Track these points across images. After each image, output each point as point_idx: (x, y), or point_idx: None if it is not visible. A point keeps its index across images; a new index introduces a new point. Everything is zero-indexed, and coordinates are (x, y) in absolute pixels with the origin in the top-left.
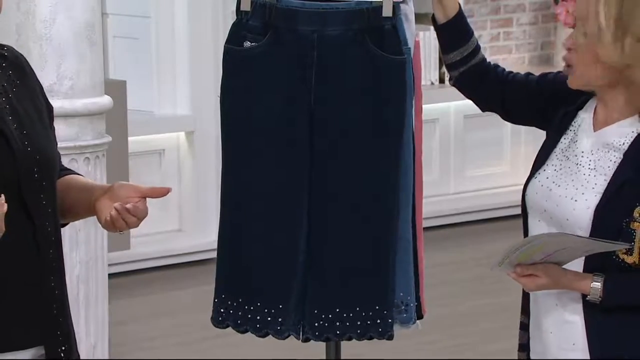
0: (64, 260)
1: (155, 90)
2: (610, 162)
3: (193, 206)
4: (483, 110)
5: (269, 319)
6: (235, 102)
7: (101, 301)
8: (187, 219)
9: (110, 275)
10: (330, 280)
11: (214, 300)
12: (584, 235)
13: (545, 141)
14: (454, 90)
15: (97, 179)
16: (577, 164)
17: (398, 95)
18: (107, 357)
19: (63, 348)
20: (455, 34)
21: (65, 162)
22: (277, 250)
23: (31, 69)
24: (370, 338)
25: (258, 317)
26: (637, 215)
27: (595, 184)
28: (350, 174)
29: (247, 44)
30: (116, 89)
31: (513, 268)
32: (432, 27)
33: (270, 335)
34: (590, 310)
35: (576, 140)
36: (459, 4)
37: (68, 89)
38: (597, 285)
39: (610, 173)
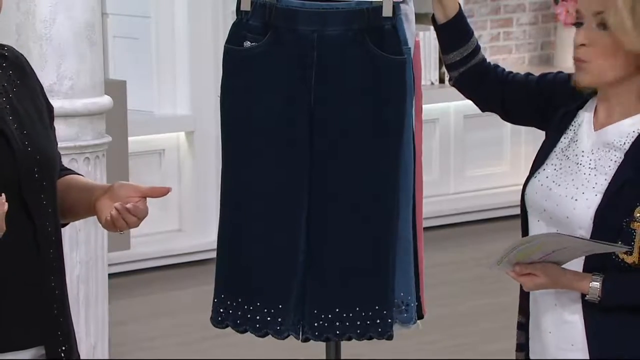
0: (64, 260)
1: (155, 90)
2: (611, 161)
3: (193, 206)
4: (483, 110)
5: (268, 318)
6: (236, 102)
7: (101, 301)
8: (187, 219)
9: (110, 275)
10: (330, 280)
11: (214, 300)
12: (584, 235)
13: (544, 141)
14: (454, 90)
15: (97, 179)
16: (577, 164)
17: (398, 95)
18: (107, 357)
19: (63, 348)
20: (455, 34)
21: (65, 162)
22: (276, 250)
23: (31, 69)
24: (370, 338)
25: (258, 317)
26: (638, 215)
27: (596, 183)
28: (350, 174)
29: (247, 44)
30: (116, 89)
31: (512, 267)
32: (432, 27)
33: (269, 335)
34: (590, 310)
35: (576, 140)
36: (459, 4)
37: (68, 89)
38: (596, 285)
39: (611, 172)
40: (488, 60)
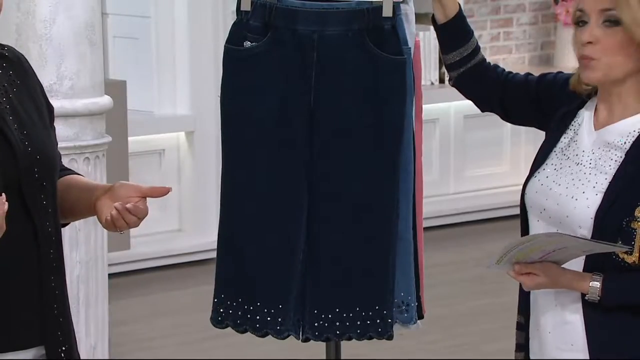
0: (64, 260)
1: (155, 90)
2: (612, 160)
3: (193, 206)
4: (482, 110)
5: (268, 318)
6: (236, 102)
7: (101, 301)
8: (187, 219)
9: (110, 275)
10: (330, 280)
11: (214, 300)
12: (584, 234)
13: (544, 141)
14: (454, 90)
15: (97, 179)
16: (578, 163)
17: (398, 95)
18: (107, 357)
19: (63, 348)
20: (455, 34)
21: (65, 162)
22: (276, 250)
23: (32, 69)
24: (370, 338)
25: (258, 317)
26: (638, 214)
27: (596, 182)
28: (350, 174)
29: (247, 43)
30: (116, 89)
31: (511, 266)
32: (432, 27)
33: (270, 335)
34: (590, 310)
35: (576, 140)
36: (459, 4)
37: (68, 89)
38: (596, 284)
39: (611, 172)
40: (488, 61)
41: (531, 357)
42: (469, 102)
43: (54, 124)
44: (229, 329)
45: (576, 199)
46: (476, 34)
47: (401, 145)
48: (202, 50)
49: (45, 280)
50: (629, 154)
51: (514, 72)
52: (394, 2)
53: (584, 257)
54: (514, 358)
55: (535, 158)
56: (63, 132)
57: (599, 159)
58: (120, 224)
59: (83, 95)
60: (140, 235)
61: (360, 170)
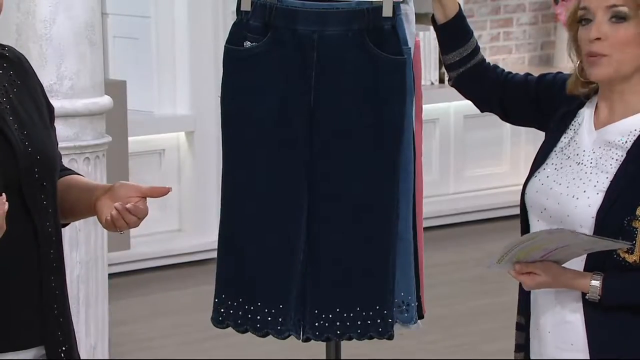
0: (64, 260)
1: (155, 90)
2: (612, 160)
3: (193, 206)
4: (482, 110)
5: (269, 318)
6: (236, 102)
7: (101, 301)
8: (187, 219)
9: (110, 275)
10: (330, 280)
11: (214, 300)
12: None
13: (544, 140)
14: (454, 90)
15: (97, 179)
16: (579, 163)
17: (398, 95)
18: (107, 357)
19: (63, 348)
20: (454, 34)
21: (65, 162)
22: (277, 250)
23: (32, 69)
24: (371, 338)
25: (258, 317)
26: (639, 213)
27: (597, 181)
28: (350, 174)
29: (248, 43)
30: (116, 89)
31: (512, 266)
32: (432, 27)
33: (270, 335)
34: (590, 309)
35: (576, 139)
36: (459, 4)
37: (68, 89)
38: (597, 283)
39: (612, 171)
40: (488, 61)
41: (531, 357)
42: (469, 102)
43: (54, 124)
44: (230, 329)
45: (577, 198)
46: (476, 34)
47: (401, 145)
48: (202, 50)
49: (45, 281)
50: (630, 153)
51: (514, 72)
52: (394, 2)
53: (584, 256)
54: (513, 358)
55: (535, 158)
56: (63, 132)
57: (600, 158)
58: (120, 224)
59: (83, 95)
60: (140, 235)
61: (360, 170)
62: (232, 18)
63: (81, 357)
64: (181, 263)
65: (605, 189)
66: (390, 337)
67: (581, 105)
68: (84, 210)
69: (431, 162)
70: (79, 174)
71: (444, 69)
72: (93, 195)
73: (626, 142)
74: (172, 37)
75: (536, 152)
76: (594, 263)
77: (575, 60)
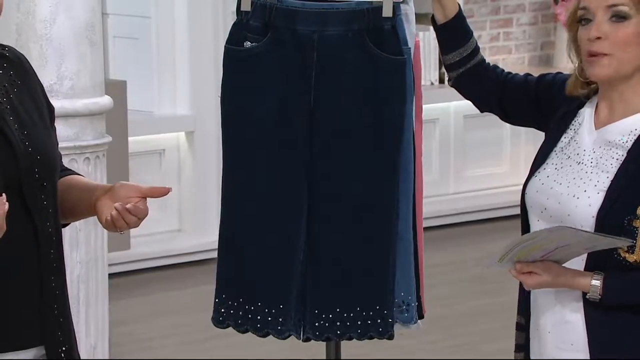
0: (64, 260)
1: (155, 90)
2: (613, 159)
3: (193, 206)
4: (482, 111)
5: (269, 318)
6: (236, 102)
7: (101, 301)
8: (187, 219)
9: (110, 275)
10: (330, 280)
11: (215, 300)
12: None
13: (545, 140)
14: (454, 90)
15: (97, 179)
16: (579, 162)
17: (398, 96)
18: (107, 357)
19: (63, 348)
20: (454, 34)
21: (66, 162)
22: (277, 250)
23: (32, 69)
24: (371, 338)
25: (258, 317)
26: None
27: (598, 181)
28: (350, 174)
29: (248, 44)
30: (116, 89)
31: (513, 265)
32: (432, 27)
33: (270, 335)
34: (591, 309)
35: (577, 139)
36: (459, 4)
37: (68, 89)
38: (597, 283)
39: (613, 170)
40: (487, 61)
41: (531, 357)
42: (469, 102)
43: (55, 124)
44: (230, 329)
45: (578, 198)
46: (476, 34)
47: (401, 145)
48: (202, 50)
49: (45, 281)
50: (630, 152)
51: (514, 72)
52: (394, 2)
53: (585, 256)
54: (513, 358)
55: (536, 158)
56: (63, 132)
57: (601, 157)
58: (121, 224)
59: (83, 95)
60: (140, 235)
61: (360, 171)
62: (232, 18)
63: (81, 357)
64: (181, 263)
65: (605, 189)
66: (391, 337)
67: (581, 105)
68: (84, 211)
69: (431, 162)
70: (79, 174)
71: (443, 69)
72: (93, 196)
73: (627, 141)
74: (172, 37)
75: (536, 152)
76: (595, 263)
77: (575, 60)
